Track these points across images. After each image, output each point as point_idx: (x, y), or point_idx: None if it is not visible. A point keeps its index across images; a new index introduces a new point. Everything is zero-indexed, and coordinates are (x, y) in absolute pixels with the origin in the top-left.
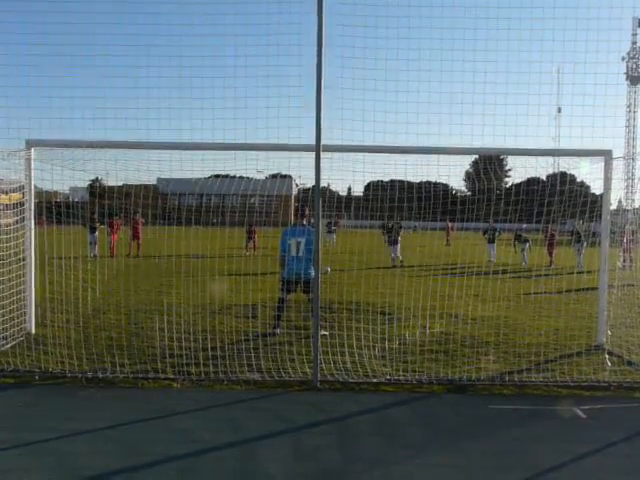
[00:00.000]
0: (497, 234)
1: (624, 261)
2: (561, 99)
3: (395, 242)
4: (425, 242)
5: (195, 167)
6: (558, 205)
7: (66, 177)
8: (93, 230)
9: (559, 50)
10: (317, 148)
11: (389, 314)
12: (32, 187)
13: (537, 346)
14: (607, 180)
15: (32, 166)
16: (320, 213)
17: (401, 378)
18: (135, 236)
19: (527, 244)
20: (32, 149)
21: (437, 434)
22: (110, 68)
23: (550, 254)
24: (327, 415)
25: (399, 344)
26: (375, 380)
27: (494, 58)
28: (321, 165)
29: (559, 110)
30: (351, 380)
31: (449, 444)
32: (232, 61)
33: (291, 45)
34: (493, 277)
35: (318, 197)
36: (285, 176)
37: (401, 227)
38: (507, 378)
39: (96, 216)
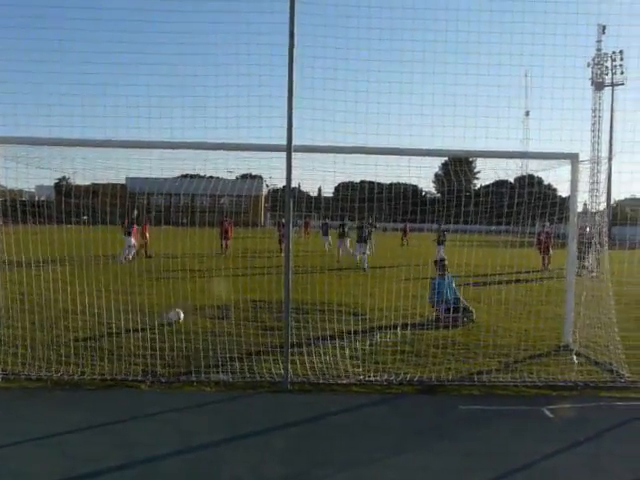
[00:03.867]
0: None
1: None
2: (530, 102)
3: (364, 240)
4: (392, 243)
5: (165, 166)
6: (527, 207)
7: (31, 176)
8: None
9: (527, 54)
10: (288, 148)
11: (361, 314)
12: None
13: (506, 347)
14: (574, 183)
15: None
16: (291, 213)
17: (372, 379)
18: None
19: (367, 245)
20: None
21: (408, 435)
22: (78, 65)
23: (545, 256)
24: (297, 417)
25: (370, 345)
26: (346, 381)
27: (464, 60)
28: (292, 165)
29: (527, 113)
30: (322, 381)
31: (420, 445)
32: (202, 60)
33: (261, 44)
34: (463, 279)
35: (289, 197)
36: (255, 176)
37: (375, 227)
38: (476, 379)
39: (134, 216)
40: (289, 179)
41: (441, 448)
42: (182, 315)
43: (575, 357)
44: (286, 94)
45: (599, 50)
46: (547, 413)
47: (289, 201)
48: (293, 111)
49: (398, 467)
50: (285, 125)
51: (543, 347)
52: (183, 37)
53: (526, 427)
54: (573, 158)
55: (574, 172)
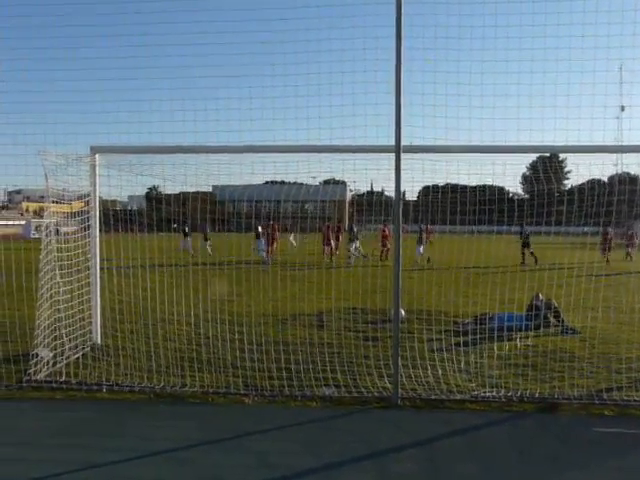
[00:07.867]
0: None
1: None
2: (625, 97)
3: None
4: (494, 247)
5: (262, 170)
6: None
7: (124, 183)
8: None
9: (629, 46)
10: (397, 149)
11: (466, 324)
12: (97, 194)
13: (636, 360)
14: None
15: (97, 172)
16: (400, 217)
17: (488, 395)
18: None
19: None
20: (97, 155)
21: (541, 461)
22: (166, 69)
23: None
24: (411, 437)
25: (482, 357)
26: (459, 397)
27: (554, 45)
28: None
29: (622, 108)
30: (434, 397)
31: (558, 473)
32: (305, 57)
33: (367, 49)
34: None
35: (398, 200)
36: (339, 182)
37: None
38: (606, 396)
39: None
40: (398, 181)
41: (576, 477)
42: (404, 313)
43: None
44: (394, 94)
45: None
46: None
47: (398, 205)
48: (402, 110)
49: None
50: (393, 124)
51: None
52: (279, 35)
53: None
54: None
55: None
